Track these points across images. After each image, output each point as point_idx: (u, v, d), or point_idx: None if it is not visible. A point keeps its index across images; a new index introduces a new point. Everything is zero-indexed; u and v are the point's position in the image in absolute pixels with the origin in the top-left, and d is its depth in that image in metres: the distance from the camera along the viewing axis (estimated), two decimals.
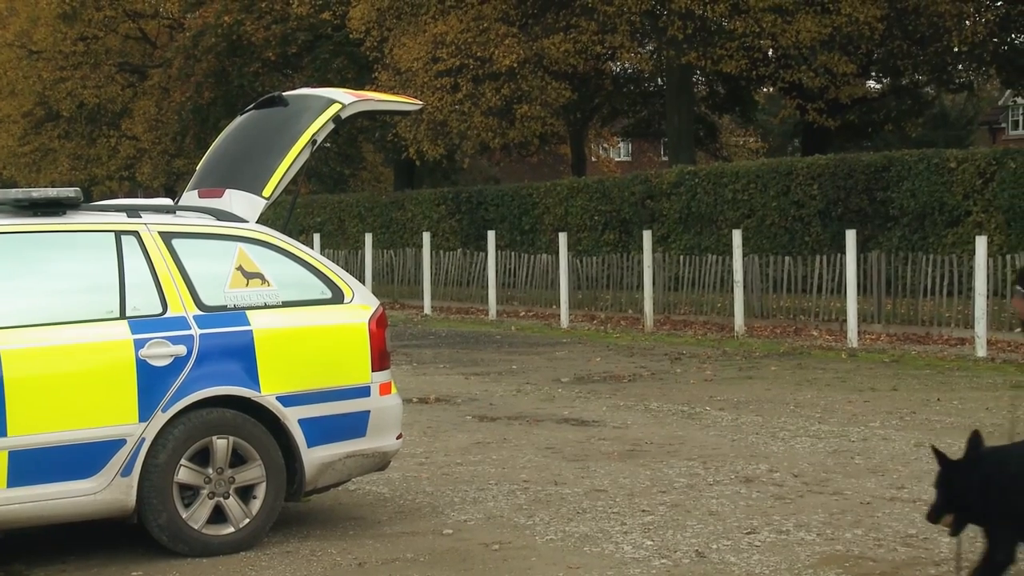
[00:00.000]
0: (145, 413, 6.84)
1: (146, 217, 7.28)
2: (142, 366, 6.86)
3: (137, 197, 33.63)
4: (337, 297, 7.52)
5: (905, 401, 12.29)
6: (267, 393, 7.13)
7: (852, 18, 27.90)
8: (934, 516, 5.89)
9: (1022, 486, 5.65)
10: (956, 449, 9.59)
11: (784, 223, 24.09)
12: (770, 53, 31.78)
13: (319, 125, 7.82)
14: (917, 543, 6.98)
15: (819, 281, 19.74)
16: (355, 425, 7.43)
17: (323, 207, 37.22)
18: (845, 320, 17.88)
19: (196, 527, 7.00)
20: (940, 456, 5.95)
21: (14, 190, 7.11)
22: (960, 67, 34.90)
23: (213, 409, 7.03)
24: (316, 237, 31.01)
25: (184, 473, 6.95)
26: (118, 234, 7.12)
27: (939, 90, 39.29)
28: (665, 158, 44.10)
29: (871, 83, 37.69)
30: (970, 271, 17.87)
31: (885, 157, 22.83)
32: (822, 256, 20.09)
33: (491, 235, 25.04)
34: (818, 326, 19.12)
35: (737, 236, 19.79)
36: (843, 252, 18.29)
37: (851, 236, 17.83)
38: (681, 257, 22.83)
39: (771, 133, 51.78)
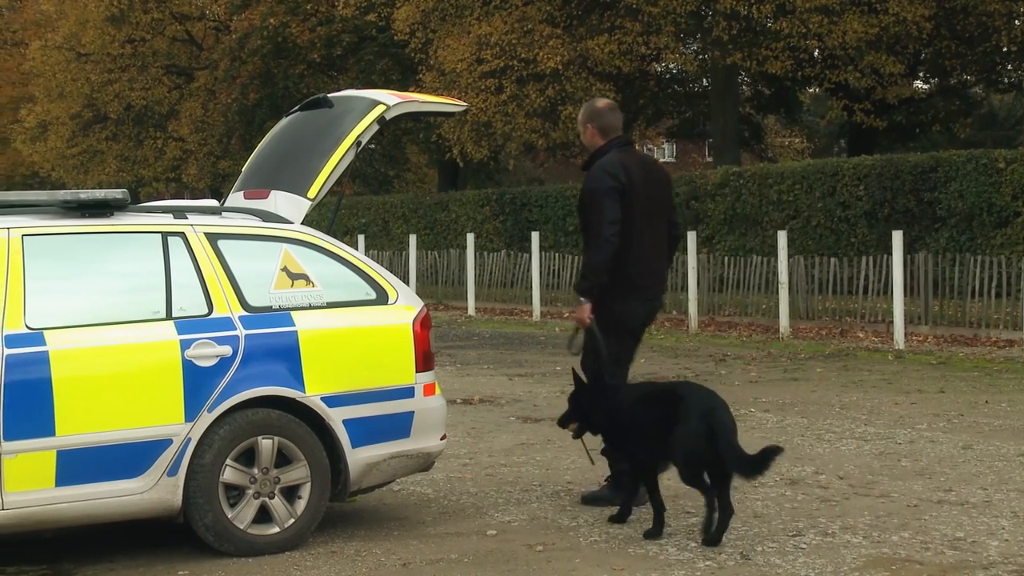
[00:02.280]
0: (191, 413, 6.88)
1: (192, 218, 7.32)
2: (188, 366, 6.90)
3: (183, 198, 33.87)
4: (381, 298, 7.53)
5: (952, 403, 12.19)
6: (312, 394, 7.16)
7: (899, 18, 27.72)
8: (563, 422, 7.79)
9: (629, 411, 7.43)
10: (1006, 451, 9.52)
11: (830, 224, 23.97)
12: (816, 54, 31.62)
13: (364, 126, 7.84)
14: (965, 546, 6.92)
15: (865, 282, 19.63)
16: (399, 426, 7.44)
17: (367, 208, 37.33)
18: (892, 321, 17.77)
19: (241, 527, 7.02)
20: (576, 378, 7.73)
21: (62, 191, 7.17)
22: (1009, 67, 34.61)
23: (258, 409, 7.05)
24: (361, 238, 31.12)
25: (230, 473, 6.98)
26: (164, 235, 7.16)
27: (988, 90, 39.00)
28: (710, 159, 44.03)
29: (919, 83, 37.44)
30: (1019, 272, 17.74)
31: (932, 158, 22.66)
32: (868, 257, 19.98)
33: (535, 236, 25.04)
34: (864, 327, 19.01)
35: (782, 237, 19.70)
36: (889, 253, 18.18)
37: (898, 237, 17.72)
38: (726, 258, 22.75)
39: (817, 133, 51.53)
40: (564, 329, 21.61)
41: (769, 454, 6.98)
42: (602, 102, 8.20)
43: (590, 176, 7.91)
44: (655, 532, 7.29)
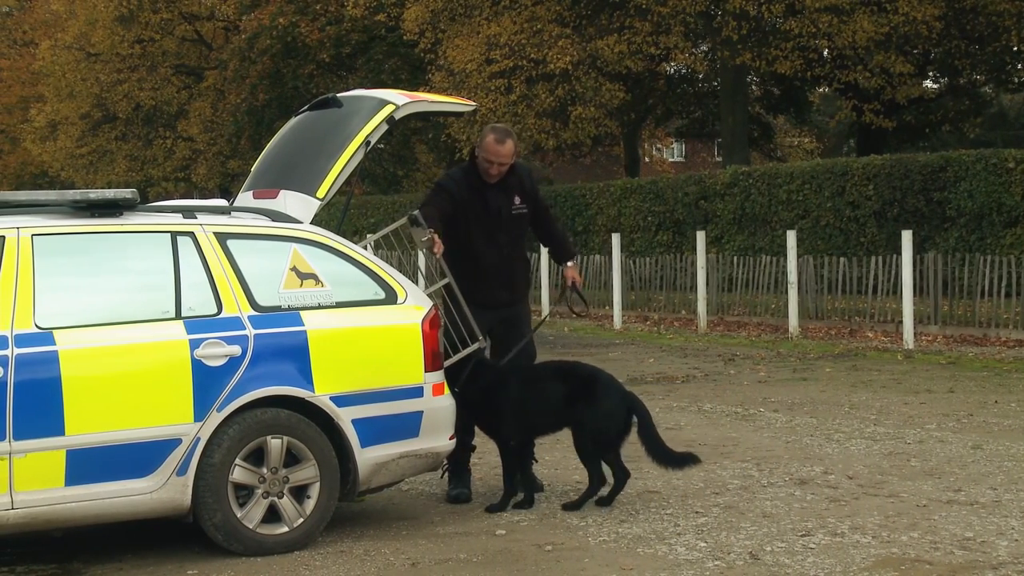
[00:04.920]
0: (200, 413, 6.89)
1: (201, 218, 7.33)
2: (197, 366, 6.91)
3: (192, 198, 33.89)
4: (390, 298, 7.53)
5: (962, 403, 12.17)
6: (321, 393, 7.16)
7: (909, 17, 27.68)
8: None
9: (514, 390, 7.99)
10: (1016, 451, 9.49)
11: (839, 224, 23.95)
12: (825, 53, 31.59)
13: (373, 126, 7.85)
14: (974, 546, 6.91)
15: (874, 282, 19.60)
16: (408, 425, 7.45)
17: (377, 208, 37.35)
18: (901, 321, 17.74)
19: (250, 526, 7.03)
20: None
21: (72, 191, 7.17)
22: (1019, 66, 34.57)
23: (267, 409, 7.06)
24: (370, 237, 31.10)
25: (239, 473, 6.99)
26: (174, 235, 7.17)
27: (998, 90, 38.98)
28: (719, 159, 43.98)
29: (928, 83, 37.38)
30: None
31: (942, 157, 22.63)
32: (877, 257, 19.95)
33: None
34: (873, 327, 18.98)
35: (791, 237, 19.68)
36: (899, 253, 18.14)
37: (907, 237, 17.69)
38: (735, 258, 22.73)
39: (826, 133, 51.50)
40: (572, 329, 21.62)
41: (689, 460, 7.81)
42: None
43: (530, 176, 8.68)
44: (499, 507, 7.89)
